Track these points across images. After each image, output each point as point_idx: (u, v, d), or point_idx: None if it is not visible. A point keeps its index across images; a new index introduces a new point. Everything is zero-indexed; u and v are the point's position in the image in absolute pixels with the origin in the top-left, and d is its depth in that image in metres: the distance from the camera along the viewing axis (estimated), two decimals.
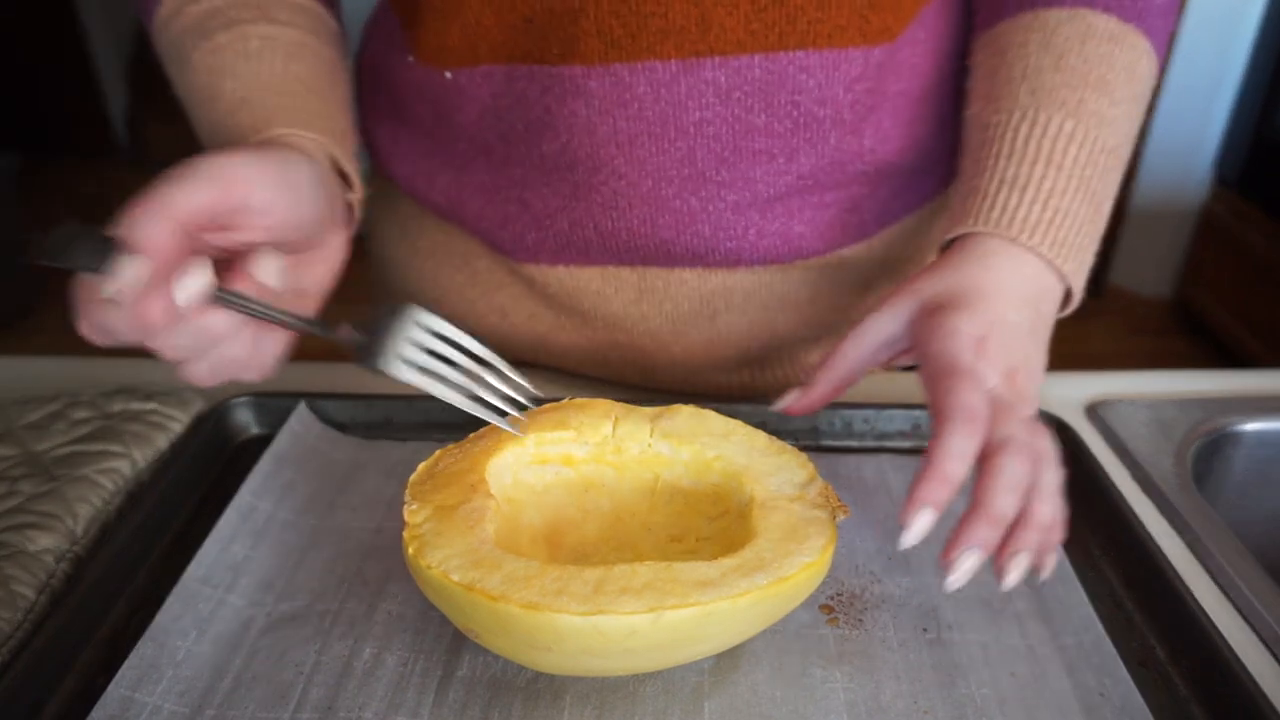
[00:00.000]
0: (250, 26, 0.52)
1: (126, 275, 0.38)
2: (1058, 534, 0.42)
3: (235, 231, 0.42)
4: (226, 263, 0.43)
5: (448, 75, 0.56)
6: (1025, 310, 0.47)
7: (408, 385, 0.45)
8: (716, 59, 0.51)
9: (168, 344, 0.41)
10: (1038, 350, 0.47)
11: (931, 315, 0.46)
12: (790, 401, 0.50)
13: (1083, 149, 0.49)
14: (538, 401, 0.49)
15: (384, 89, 0.65)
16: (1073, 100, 0.50)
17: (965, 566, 0.39)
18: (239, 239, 0.43)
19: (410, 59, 0.58)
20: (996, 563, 0.40)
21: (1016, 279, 0.47)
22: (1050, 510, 0.41)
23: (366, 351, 0.43)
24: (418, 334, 0.44)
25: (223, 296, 0.41)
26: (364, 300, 0.78)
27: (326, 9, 0.58)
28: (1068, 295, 0.50)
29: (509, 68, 0.54)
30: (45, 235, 0.39)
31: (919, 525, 0.39)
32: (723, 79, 0.52)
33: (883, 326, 0.48)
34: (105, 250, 0.38)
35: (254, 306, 0.41)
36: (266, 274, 0.42)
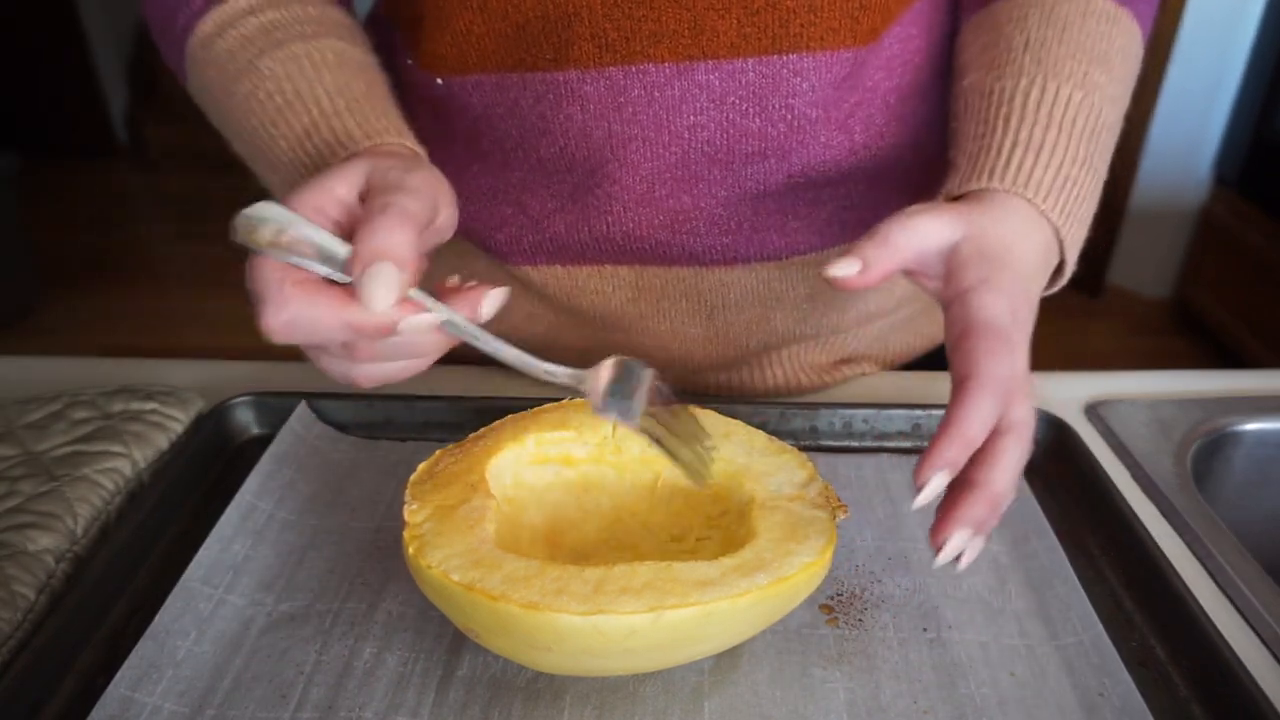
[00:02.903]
0: (323, 41, 0.52)
1: (386, 283, 0.36)
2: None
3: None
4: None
5: (439, 82, 0.56)
6: (1035, 281, 0.45)
7: (406, 385, 0.45)
8: (710, 63, 0.51)
9: (368, 350, 0.40)
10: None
11: (974, 262, 0.43)
12: (844, 271, 0.44)
13: (1089, 121, 0.48)
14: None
15: None
16: (1079, 72, 0.49)
17: (957, 544, 0.38)
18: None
19: (410, 61, 0.58)
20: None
21: (1031, 244, 0.45)
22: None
23: (615, 409, 0.41)
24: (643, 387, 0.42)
25: (454, 326, 0.39)
26: None
27: (357, 22, 0.58)
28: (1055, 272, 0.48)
29: (499, 77, 0.54)
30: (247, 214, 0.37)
31: (934, 486, 0.38)
32: (716, 82, 0.52)
33: (936, 233, 0.44)
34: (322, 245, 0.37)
35: (486, 340, 0.40)
36: (487, 311, 0.41)
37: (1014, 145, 0.47)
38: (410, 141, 0.50)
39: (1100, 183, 0.49)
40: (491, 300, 0.42)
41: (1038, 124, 0.47)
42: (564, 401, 0.49)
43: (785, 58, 0.51)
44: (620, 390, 0.41)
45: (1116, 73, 0.50)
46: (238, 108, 0.52)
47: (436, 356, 0.43)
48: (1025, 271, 0.44)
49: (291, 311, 0.37)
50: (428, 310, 0.39)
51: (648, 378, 0.41)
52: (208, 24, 0.53)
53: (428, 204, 0.40)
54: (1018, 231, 0.45)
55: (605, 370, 0.41)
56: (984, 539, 0.39)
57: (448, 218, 0.44)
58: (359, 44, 0.55)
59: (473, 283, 0.42)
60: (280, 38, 0.51)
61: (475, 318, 0.41)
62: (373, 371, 0.42)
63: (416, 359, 0.42)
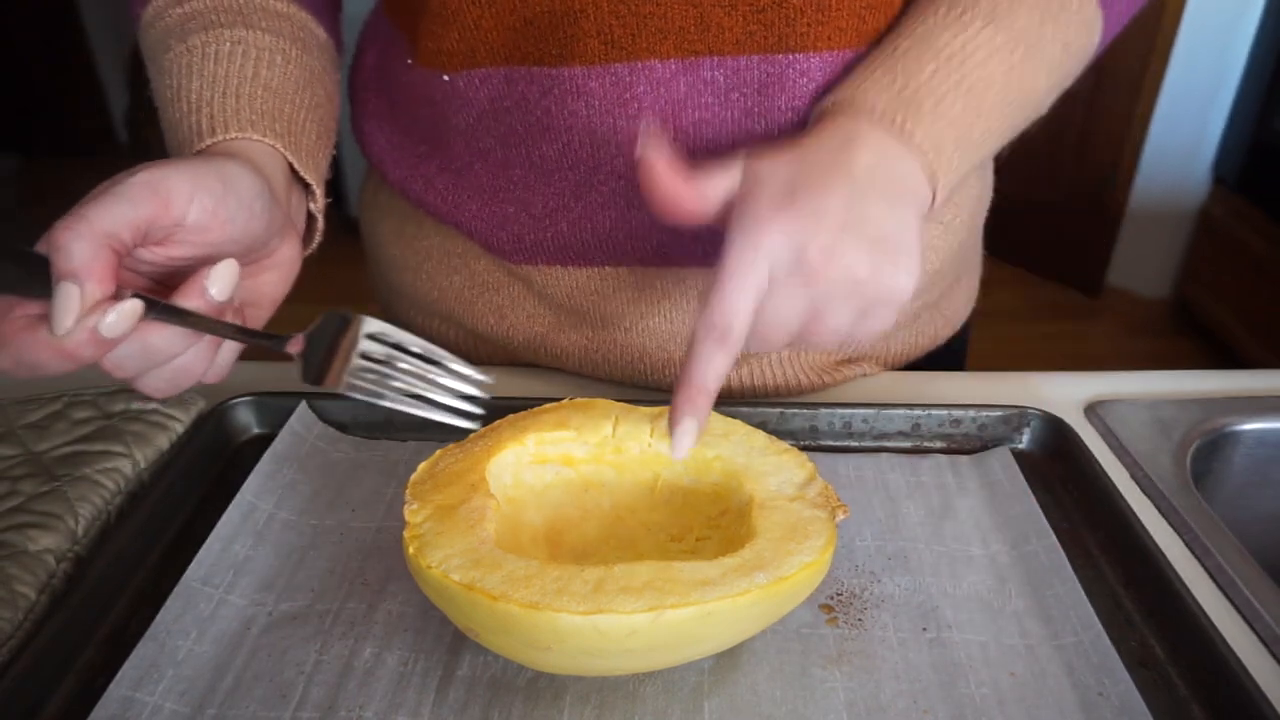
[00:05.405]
0: (226, 30, 0.52)
1: (63, 305, 0.35)
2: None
3: (171, 247, 0.42)
4: (180, 275, 0.42)
5: (446, 79, 0.56)
6: (857, 165, 0.44)
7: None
8: (715, 59, 0.51)
9: (111, 364, 0.40)
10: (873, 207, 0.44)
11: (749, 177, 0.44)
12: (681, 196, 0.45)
13: (993, 58, 0.48)
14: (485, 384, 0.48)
15: (381, 92, 0.65)
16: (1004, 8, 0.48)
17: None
18: (176, 254, 0.42)
19: (410, 61, 0.58)
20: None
21: (858, 147, 0.45)
22: None
23: (315, 371, 0.44)
24: (365, 344, 0.45)
25: (164, 314, 0.39)
26: (363, 299, 0.78)
27: (315, 18, 0.58)
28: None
29: (507, 70, 0.54)
30: None
31: (687, 441, 0.42)
32: (721, 79, 0.52)
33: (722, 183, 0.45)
34: (31, 272, 0.35)
35: (200, 322, 0.40)
36: (218, 288, 0.41)
37: (880, 69, 0.48)
38: (258, 132, 0.49)
39: (972, 114, 0.48)
40: (216, 279, 0.41)
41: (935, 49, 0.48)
42: (564, 401, 0.49)
43: (791, 57, 0.51)
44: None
45: (1067, 35, 0.50)
46: (154, 98, 0.53)
47: (222, 360, 0.44)
48: (825, 157, 0.44)
49: (13, 351, 0.37)
50: (138, 306, 0.38)
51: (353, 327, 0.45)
52: (148, 10, 0.55)
53: (134, 206, 0.39)
54: (827, 137, 0.46)
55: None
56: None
57: (204, 209, 0.41)
58: (280, 32, 0.54)
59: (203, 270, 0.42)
60: (190, 28, 0.52)
61: (209, 302, 0.41)
62: (156, 383, 0.42)
63: (187, 361, 0.42)
